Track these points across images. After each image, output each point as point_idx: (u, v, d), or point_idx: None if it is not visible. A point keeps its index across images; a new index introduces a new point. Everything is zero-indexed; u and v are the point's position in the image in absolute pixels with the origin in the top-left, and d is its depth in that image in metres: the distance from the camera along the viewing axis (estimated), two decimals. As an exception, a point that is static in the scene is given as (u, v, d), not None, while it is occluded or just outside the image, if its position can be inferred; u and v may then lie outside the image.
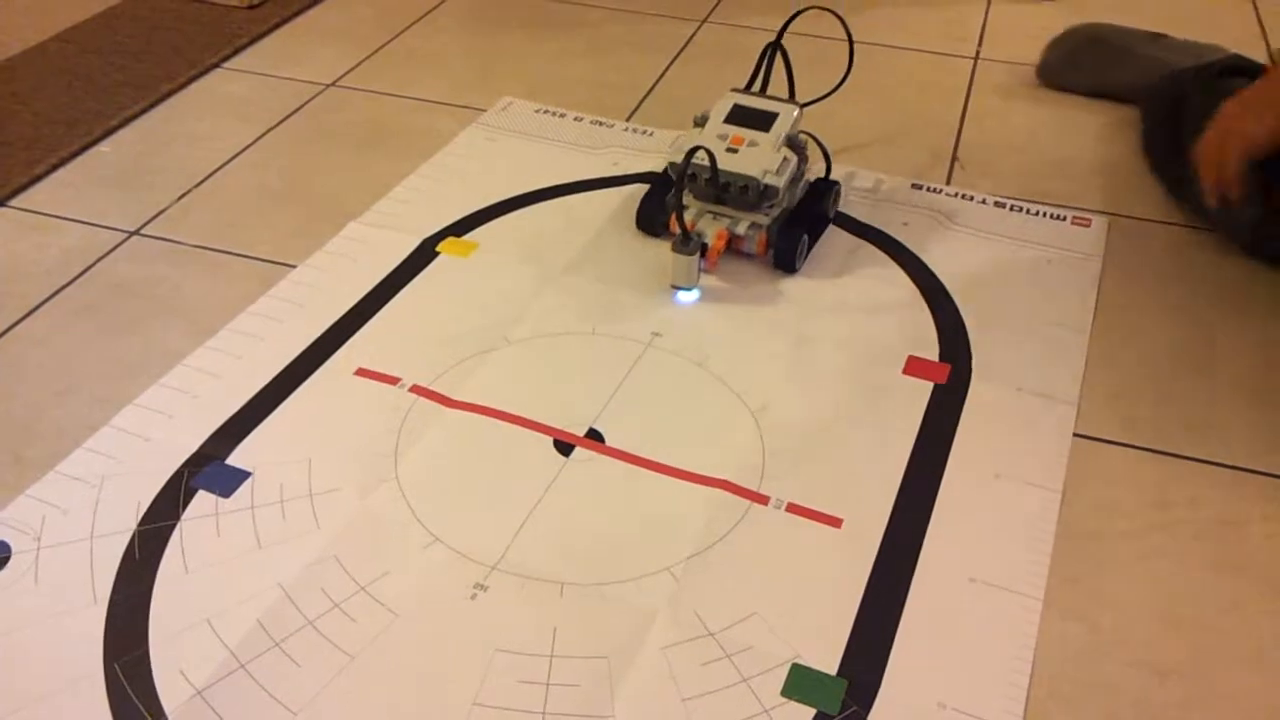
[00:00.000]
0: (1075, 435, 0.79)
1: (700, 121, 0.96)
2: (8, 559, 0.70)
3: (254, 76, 1.28)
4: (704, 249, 0.92)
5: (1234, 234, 0.96)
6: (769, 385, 0.83)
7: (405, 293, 0.93)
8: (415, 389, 0.83)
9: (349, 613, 0.67)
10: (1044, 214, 1.02)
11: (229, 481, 0.75)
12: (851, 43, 0.98)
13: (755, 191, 0.91)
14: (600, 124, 1.17)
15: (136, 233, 1.01)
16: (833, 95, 1.08)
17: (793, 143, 0.94)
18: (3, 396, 0.83)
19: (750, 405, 0.82)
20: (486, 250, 0.98)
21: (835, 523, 0.73)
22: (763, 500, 0.74)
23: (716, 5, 1.44)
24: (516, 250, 0.98)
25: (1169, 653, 0.65)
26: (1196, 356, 0.87)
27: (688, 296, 0.92)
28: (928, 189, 1.06)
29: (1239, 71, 1.05)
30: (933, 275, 0.95)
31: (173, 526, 0.72)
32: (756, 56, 1.00)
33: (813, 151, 0.97)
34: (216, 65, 1.30)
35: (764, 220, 0.94)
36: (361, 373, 0.84)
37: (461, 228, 1.00)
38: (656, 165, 1.08)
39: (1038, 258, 0.97)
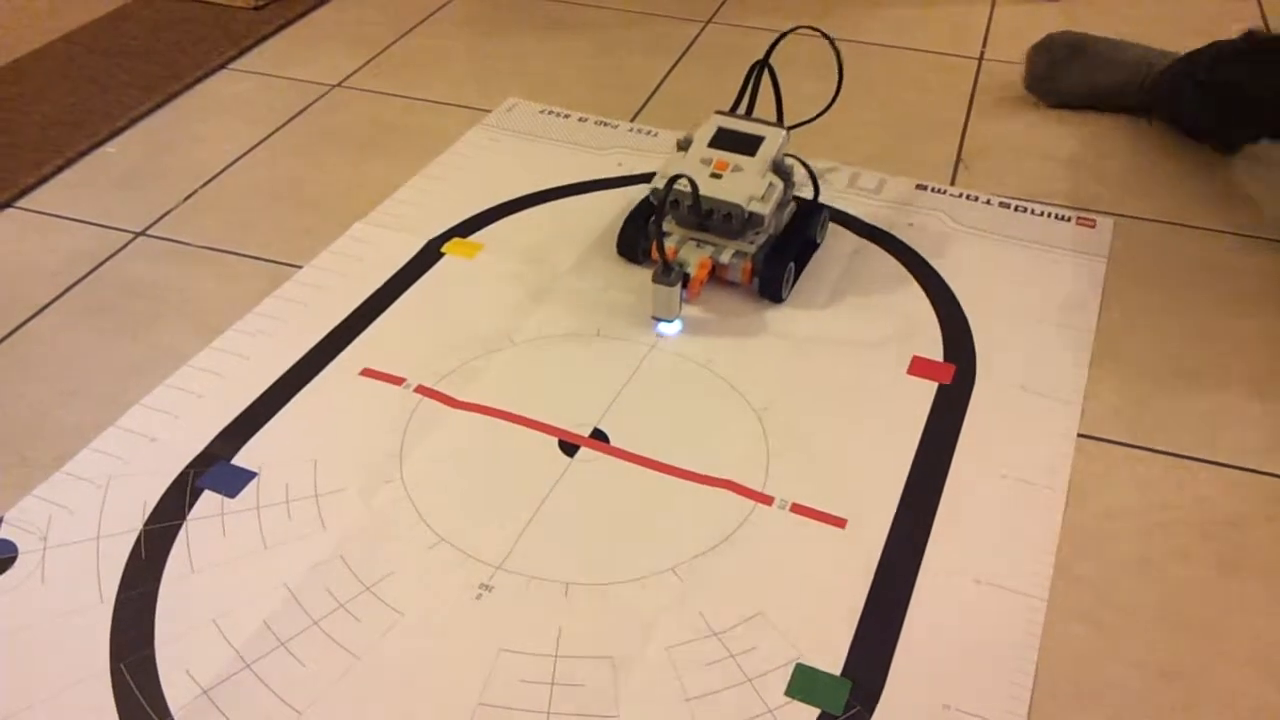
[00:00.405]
0: (1079, 435, 0.79)
1: (684, 145, 0.92)
2: (14, 559, 0.70)
3: (260, 77, 1.28)
4: (686, 279, 0.88)
5: None
6: (773, 386, 0.83)
7: (410, 294, 0.93)
8: (420, 389, 0.83)
9: (354, 613, 0.67)
10: (1049, 214, 1.02)
11: (235, 482, 0.75)
12: (840, 64, 0.93)
13: (740, 219, 0.88)
14: (604, 125, 1.17)
15: (143, 233, 1.02)
16: (833, 97, 1.07)
17: (779, 168, 0.90)
18: (9, 397, 0.84)
19: (754, 406, 0.82)
20: (491, 251, 0.98)
21: (839, 523, 0.73)
22: (767, 501, 0.74)
23: (721, 6, 1.44)
24: (521, 251, 0.98)
25: (1173, 653, 0.65)
26: (1200, 357, 0.87)
27: (669, 328, 0.88)
28: (932, 190, 1.06)
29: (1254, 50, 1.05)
30: (937, 276, 0.95)
31: (178, 526, 0.72)
32: (759, 58, 1.00)
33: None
34: (222, 66, 1.30)
35: (749, 248, 0.90)
36: (367, 373, 0.85)
37: (466, 229, 1.01)
38: (660, 166, 1.08)
39: (1042, 258, 0.97)
